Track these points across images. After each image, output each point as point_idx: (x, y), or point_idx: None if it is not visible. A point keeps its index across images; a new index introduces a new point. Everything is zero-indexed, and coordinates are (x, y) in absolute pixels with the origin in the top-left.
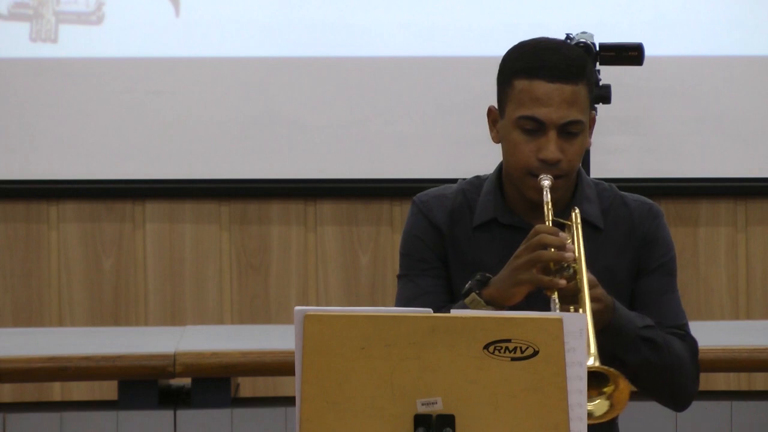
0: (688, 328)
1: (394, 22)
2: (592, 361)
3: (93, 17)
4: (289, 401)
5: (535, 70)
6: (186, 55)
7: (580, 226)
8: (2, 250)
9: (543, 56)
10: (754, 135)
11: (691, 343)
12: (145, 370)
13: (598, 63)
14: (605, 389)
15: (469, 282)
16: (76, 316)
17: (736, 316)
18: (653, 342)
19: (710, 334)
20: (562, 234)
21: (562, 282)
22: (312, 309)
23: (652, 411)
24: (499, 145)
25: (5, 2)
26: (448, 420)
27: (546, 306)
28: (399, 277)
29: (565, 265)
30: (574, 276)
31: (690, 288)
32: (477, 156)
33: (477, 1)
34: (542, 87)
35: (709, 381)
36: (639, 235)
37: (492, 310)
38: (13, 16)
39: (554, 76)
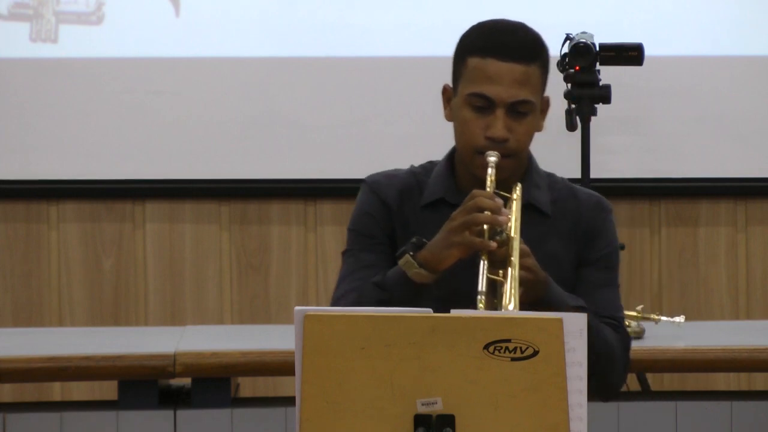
0: (623, 323)
1: (394, 22)
2: (512, 308)
3: (93, 17)
4: (289, 401)
5: (488, 48)
6: (186, 55)
7: (519, 201)
8: (2, 250)
9: (498, 36)
10: (754, 135)
11: (624, 336)
12: (145, 370)
13: (598, 63)
14: None
15: (404, 246)
16: (76, 316)
17: (736, 316)
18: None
19: (710, 334)
20: (498, 199)
21: (493, 244)
22: (312, 309)
23: (653, 411)
24: None
25: (5, 2)
26: (448, 420)
27: (474, 272)
28: (343, 253)
29: (499, 230)
30: (507, 243)
31: (690, 288)
32: None
33: (477, 1)
34: (494, 65)
35: (709, 381)
36: (584, 226)
37: (424, 272)
38: (13, 16)
39: (507, 55)
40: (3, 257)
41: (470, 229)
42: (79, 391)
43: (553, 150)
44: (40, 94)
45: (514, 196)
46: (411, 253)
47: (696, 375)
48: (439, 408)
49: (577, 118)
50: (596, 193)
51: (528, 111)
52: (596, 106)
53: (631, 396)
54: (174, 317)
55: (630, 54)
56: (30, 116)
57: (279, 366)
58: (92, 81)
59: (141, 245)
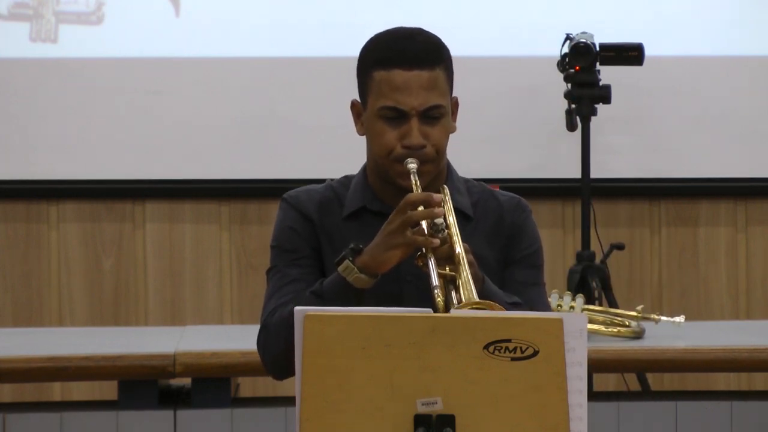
0: None
1: (394, 22)
2: (476, 296)
3: (93, 17)
4: (289, 401)
5: (391, 59)
6: (186, 55)
7: (450, 200)
8: (2, 250)
9: (398, 45)
10: (754, 135)
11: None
12: (145, 370)
13: (598, 63)
14: None
15: (343, 251)
16: (76, 316)
17: (736, 316)
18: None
19: (710, 334)
20: (432, 195)
21: (436, 240)
22: (312, 309)
23: (653, 411)
24: (501, 144)
25: (5, 2)
26: (448, 420)
27: (419, 279)
28: (268, 271)
29: (440, 227)
30: (448, 240)
31: (690, 288)
32: (476, 155)
33: (477, 1)
34: (399, 75)
35: (709, 381)
36: (507, 226)
37: (365, 277)
38: (13, 16)
39: (410, 64)
40: (3, 257)
41: (409, 228)
42: (79, 391)
43: (553, 150)
44: (40, 94)
45: (445, 197)
46: (350, 259)
47: (696, 375)
48: (439, 408)
49: (577, 118)
50: (515, 195)
51: (440, 115)
52: (596, 106)
53: (631, 396)
54: (174, 317)
55: (630, 54)
56: (30, 116)
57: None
58: (92, 81)
59: (141, 245)
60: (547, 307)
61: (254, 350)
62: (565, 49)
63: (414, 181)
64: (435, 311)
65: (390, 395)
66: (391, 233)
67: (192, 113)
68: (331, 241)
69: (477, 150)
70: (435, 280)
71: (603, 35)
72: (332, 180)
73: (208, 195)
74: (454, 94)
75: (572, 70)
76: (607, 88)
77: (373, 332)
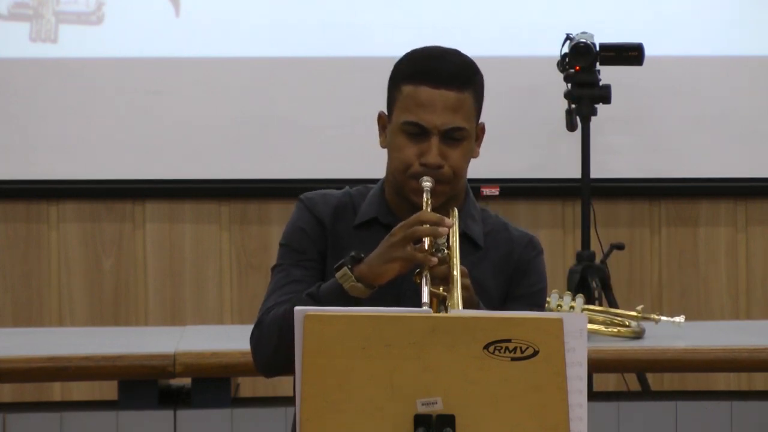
0: None
1: (394, 22)
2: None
3: (93, 17)
4: (289, 401)
5: (420, 75)
6: (186, 55)
7: (456, 225)
8: (2, 250)
9: (430, 63)
10: (754, 135)
11: None
12: (145, 370)
13: (598, 63)
14: None
15: (343, 258)
16: (76, 316)
17: (736, 316)
18: None
19: (710, 334)
20: (442, 217)
21: (434, 259)
22: (312, 309)
23: (653, 411)
24: (501, 144)
25: (5, 2)
26: (448, 420)
27: (417, 289)
28: (273, 268)
29: (441, 247)
30: (447, 261)
31: (690, 288)
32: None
33: (477, 1)
34: (426, 93)
35: (709, 381)
36: (515, 262)
37: (361, 286)
38: (13, 16)
39: (439, 82)
40: (3, 257)
41: (410, 244)
42: (79, 391)
43: (553, 150)
44: (40, 94)
45: (452, 220)
46: (349, 266)
47: (696, 375)
48: (439, 408)
49: (577, 118)
50: (529, 233)
51: (462, 137)
52: (596, 106)
53: (631, 396)
54: (174, 317)
55: (630, 54)
56: (30, 116)
57: None
58: (92, 81)
59: (141, 245)
60: None
61: None
62: (565, 49)
63: (425, 200)
64: None
65: (390, 395)
66: (392, 246)
67: (192, 113)
68: (338, 247)
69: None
70: (425, 297)
71: (603, 35)
72: (351, 187)
73: (208, 195)
74: (482, 120)
75: (572, 70)
76: (607, 88)
77: (373, 332)
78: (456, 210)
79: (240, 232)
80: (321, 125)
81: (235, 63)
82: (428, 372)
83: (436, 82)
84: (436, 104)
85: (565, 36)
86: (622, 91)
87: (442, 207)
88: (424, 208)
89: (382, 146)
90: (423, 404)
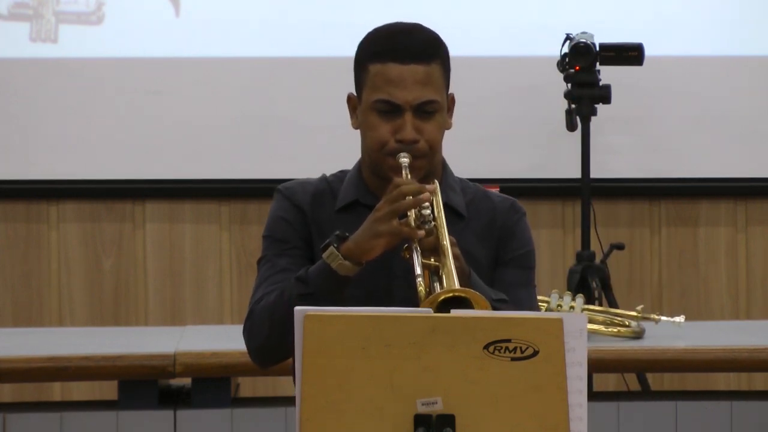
0: None
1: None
2: (458, 285)
3: (93, 17)
4: (289, 401)
5: (387, 53)
6: (186, 55)
7: (439, 193)
8: (2, 250)
9: (394, 39)
10: (754, 135)
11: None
12: (145, 370)
13: (598, 63)
14: None
15: (328, 238)
16: (76, 316)
17: (736, 316)
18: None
19: (710, 334)
20: (421, 185)
21: (422, 232)
22: (312, 309)
23: (653, 411)
24: (501, 144)
25: (5, 2)
26: (448, 420)
27: (407, 266)
28: (258, 261)
29: (427, 218)
30: (434, 231)
31: (690, 288)
32: (476, 155)
33: (477, 1)
34: (395, 69)
35: (709, 381)
36: (499, 226)
37: (348, 264)
38: (13, 16)
39: (406, 58)
40: (3, 257)
41: (396, 217)
42: (79, 391)
43: (553, 150)
44: (40, 94)
45: (434, 191)
46: (335, 245)
47: (696, 375)
48: (439, 408)
49: (577, 118)
50: (510, 197)
51: (434, 110)
52: (596, 106)
53: (631, 396)
54: (174, 317)
55: (630, 54)
56: (30, 116)
57: (279, 366)
58: (92, 81)
59: (141, 245)
60: (535, 309)
61: None
62: (565, 49)
63: (405, 175)
64: (417, 300)
65: (390, 395)
66: (378, 220)
67: (192, 113)
68: (321, 232)
69: (477, 150)
70: (418, 269)
71: (603, 35)
72: (327, 174)
73: (208, 195)
74: (451, 91)
75: (572, 70)
76: (607, 88)
77: (373, 332)
78: (437, 183)
79: (240, 232)
80: (321, 125)
81: (235, 63)
82: (428, 372)
83: (403, 58)
84: (405, 80)
85: (565, 36)
86: (622, 91)
87: (421, 182)
88: (403, 175)
89: (354, 127)
90: (423, 404)
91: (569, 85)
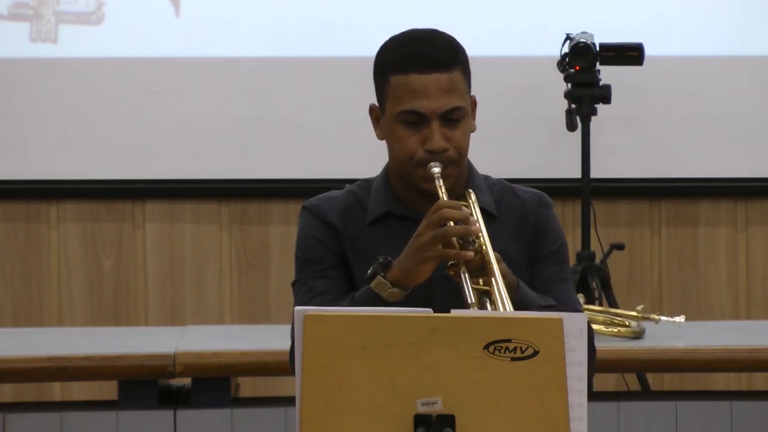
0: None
1: (394, 22)
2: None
3: (93, 17)
4: (289, 401)
5: (407, 63)
6: (186, 55)
7: (476, 205)
8: (2, 250)
9: (413, 48)
10: (754, 135)
11: (588, 328)
12: (145, 370)
13: (598, 63)
14: None
15: (372, 267)
16: (76, 316)
17: (736, 316)
18: None
19: (710, 334)
20: (464, 207)
21: (470, 254)
22: (312, 309)
23: (653, 411)
24: (501, 144)
25: (5, 2)
26: (448, 420)
27: (449, 281)
28: (294, 283)
29: (471, 239)
30: (480, 250)
31: (690, 288)
32: (476, 155)
33: (477, 1)
34: (417, 80)
35: (709, 381)
36: (531, 222)
37: (398, 291)
38: (13, 16)
39: (427, 67)
40: (3, 257)
41: (441, 242)
42: (79, 391)
43: (553, 150)
44: (40, 94)
45: (471, 201)
46: (382, 274)
47: (696, 375)
48: (439, 408)
49: (577, 118)
50: (536, 190)
51: (460, 117)
52: (596, 106)
53: (631, 396)
54: (174, 317)
55: (630, 54)
56: (30, 116)
57: (279, 366)
58: (92, 81)
59: (141, 245)
60: (575, 303)
61: (254, 350)
62: (565, 49)
63: (439, 186)
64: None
65: (390, 395)
66: (423, 246)
67: (192, 113)
68: (355, 248)
69: (477, 150)
70: (470, 297)
71: (603, 35)
72: (351, 185)
73: (208, 195)
74: (472, 93)
75: (572, 70)
76: (607, 88)
77: (373, 332)
78: (471, 191)
79: (240, 232)
80: (321, 125)
81: (235, 63)
82: (428, 372)
83: (424, 68)
84: (429, 89)
85: (565, 36)
86: (622, 91)
87: (452, 187)
88: (439, 194)
89: (380, 138)
90: (423, 404)
91: (569, 85)
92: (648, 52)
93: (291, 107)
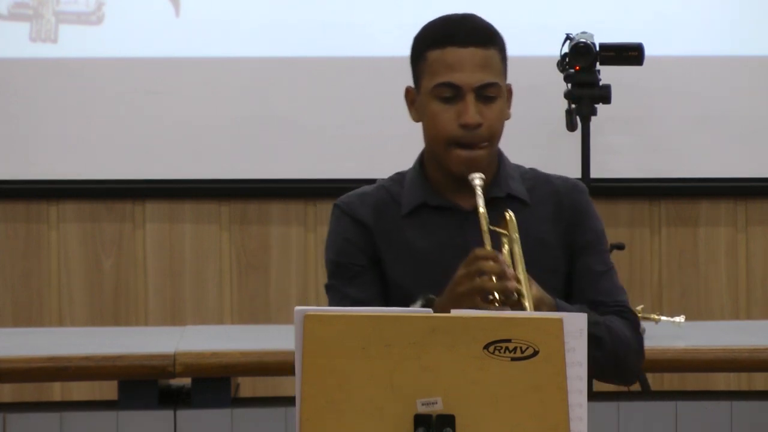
0: (628, 304)
1: (394, 22)
2: None
3: (93, 17)
4: (289, 401)
5: (445, 38)
6: (186, 55)
7: (516, 230)
8: (2, 250)
9: (452, 25)
10: (754, 135)
11: (632, 319)
12: (145, 370)
13: (598, 63)
14: None
15: (412, 306)
16: (76, 316)
17: (736, 316)
18: (598, 339)
19: (710, 334)
20: (501, 258)
21: (507, 309)
22: (312, 309)
23: (653, 411)
24: (501, 144)
25: (5, 2)
26: (448, 420)
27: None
28: (327, 287)
29: (510, 294)
30: (519, 299)
31: (690, 288)
32: None
33: (477, 1)
34: (454, 53)
35: (709, 381)
36: (567, 208)
37: None
38: (13, 16)
39: (465, 41)
40: (3, 257)
41: (479, 295)
42: (79, 391)
43: (553, 150)
44: (40, 94)
45: (509, 225)
46: None
47: (696, 375)
48: (439, 408)
49: (577, 118)
50: (570, 177)
51: (496, 95)
52: (596, 106)
53: (631, 396)
54: (174, 317)
55: (630, 54)
56: (30, 116)
57: (279, 366)
58: (92, 81)
59: (141, 245)
60: (622, 293)
61: (254, 350)
62: (565, 49)
63: (480, 208)
64: None
65: (390, 395)
66: (460, 296)
67: (192, 113)
68: (389, 242)
69: None
70: None
71: (603, 35)
72: (382, 180)
73: (208, 195)
74: (508, 82)
75: (572, 70)
76: (607, 88)
77: (373, 332)
78: (511, 213)
79: (240, 232)
80: (321, 125)
81: (235, 63)
82: (428, 372)
83: (462, 42)
84: (465, 62)
85: (565, 36)
86: (622, 91)
87: (481, 172)
88: (478, 206)
89: (415, 120)
90: (423, 404)
91: (569, 85)
92: (648, 52)
93: (291, 107)
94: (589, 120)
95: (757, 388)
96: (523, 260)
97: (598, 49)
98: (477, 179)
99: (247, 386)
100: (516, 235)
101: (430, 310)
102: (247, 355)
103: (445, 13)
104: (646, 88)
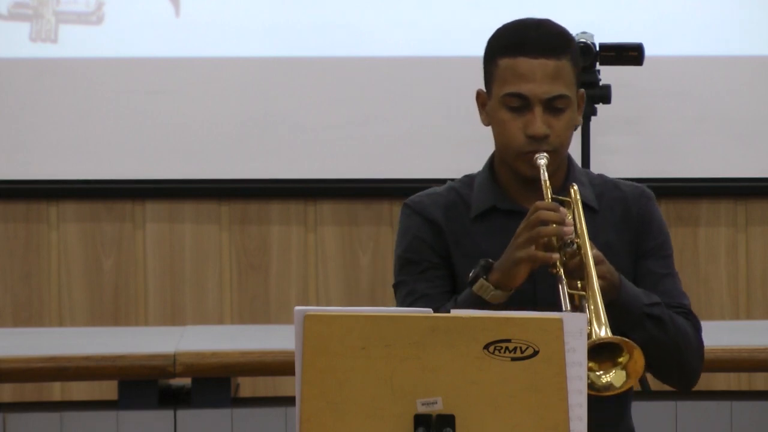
0: (691, 308)
1: (394, 22)
2: (605, 332)
3: (93, 17)
4: (289, 401)
5: (517, 47)
6: (186, 55)
7: (580, 202)
8: (2, 250)
9: (525, 33)
10: (754, 135)
11: (695, 321)
12: (145, 370)
13: (598, 63)
14: (620, 360)
15: (474, 270)
16: (76, 316)
17: (736, 316)
18: (659, 319)
19: (710, 334)
20: (561, 209)
21: (555, 255)
22: (312, 309)
23: (653, 411)
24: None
25: (5, 2)
26: (448, 420)
27: (552, 283)
28: (396, 285)
29: (569, 240)
30: (579, 252)
31: (690, 288)
32: (476, 156)
33: (477, 1)
34: (525, 63)
35: (709, 381)
36: (634, 215)
37: (500, 293)
38: (13, 16)
39: (536, 52)
40: (3, 257)
41: (535, 244)
42: (79, 391)
43: None
44: (40, 94)
45: (573, 199)
46: (484, 277)
47: None
48: (439, 408)
49: None
50: (638, 184)
51: (565, 106)
52: (596, 106)
53: (631, 396)
54: (174, 317)
55: (630, 54)
56: (30, 116)
57: (279, 366)
58: (92, 81)
59: (141, 245)
60: (685, 296)
61: (254, 350)
62: None
63: (544, 181)
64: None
65: (390, 395)
66: (517, 247)
67: (192, 113)
68: (458, 244)
69: (477, 150)
70: (566, 306)
71: (603, 35)
72: (452, 181)
73: (208, 195)
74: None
75: None
76: (607, 88)
77: (373, 332)
78: (575, 186)
79: (240, 232)
80: (321, 125)
81: (235, 63)
82: (428, 372)
83: (533, 52)
84: (536, 74)
85: None
86: (622, 91)
87: (550, 179)
88: (544, 189)
89: (485, 124)
90: (423, 404)
91: None
92: (648, 52)
93: (291, 107)
94: (589, 120)
95: (757, 388)
96: (585, 229)
97: (598, 49)
98: (541, 159)
99: (247, 386)
100: (580, 207)
101: (489, 267)
102: (247, 355)
103: (519, 18)
104: (646, 88)
